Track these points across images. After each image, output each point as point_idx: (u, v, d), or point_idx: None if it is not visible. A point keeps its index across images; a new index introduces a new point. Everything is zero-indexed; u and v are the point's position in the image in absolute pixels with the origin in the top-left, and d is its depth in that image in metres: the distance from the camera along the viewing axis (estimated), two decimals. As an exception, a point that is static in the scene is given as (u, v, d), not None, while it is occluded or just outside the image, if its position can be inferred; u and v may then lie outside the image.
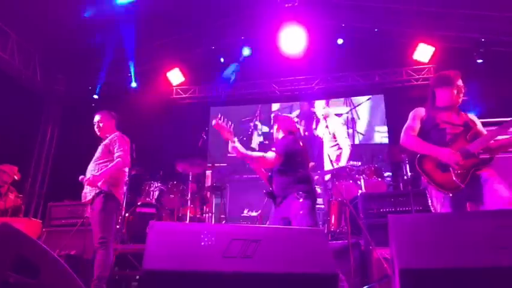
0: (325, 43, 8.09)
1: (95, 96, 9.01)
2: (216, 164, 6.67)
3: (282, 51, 8.07)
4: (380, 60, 8.04)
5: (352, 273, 3.67)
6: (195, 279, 1.40)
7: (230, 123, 3.21)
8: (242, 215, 7.60)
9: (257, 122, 9.01)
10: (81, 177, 3.67)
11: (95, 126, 3.94)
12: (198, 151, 6.24)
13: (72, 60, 8.66)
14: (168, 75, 8.76)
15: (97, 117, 3.96)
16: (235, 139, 3.18)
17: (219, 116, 3.18)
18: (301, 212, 3.04)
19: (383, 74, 8.20)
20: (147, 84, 8.82)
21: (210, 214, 6.03)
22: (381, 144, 7.96)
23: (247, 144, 8.67)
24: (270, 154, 3.22)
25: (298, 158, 3.36)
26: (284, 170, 3.25)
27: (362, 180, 5.23)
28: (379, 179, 5.34)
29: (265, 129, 8.96)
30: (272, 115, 8.87)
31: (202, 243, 1.47)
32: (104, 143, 3.83)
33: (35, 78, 8.56)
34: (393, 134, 7.69)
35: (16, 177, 5.82)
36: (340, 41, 8.08)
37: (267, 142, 8.92)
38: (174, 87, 8.92)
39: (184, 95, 9.02)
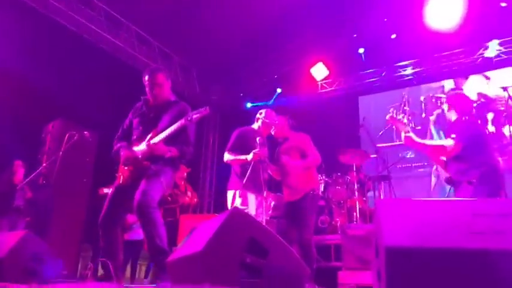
0: (481, 8, 7.14)
1: (249, 105, 9.69)
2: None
3: (432, 27, 7.43)
4: None
5: None
6: (440, 255, 1.33)
7: (402, 114, 3.24)
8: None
9: (406, 108, 8.46)
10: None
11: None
12: (356, 141, 6.15)
13: (224, 71, 9.46)
14: (311, 72, 8.82)
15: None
16: (409, 128, 3.14)
17: (392, 110, 3.30)
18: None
19: None
20: (292, 84, 9.05)
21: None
22: None
23: (398, 132, 8.21)
24: (449, 142, 3.05)
25: (479, 141, 3.15)
26: (461, 155, 3.04)
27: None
28: None
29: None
30: (441, 96, 8.09)
31: (442, 219, 1.40)
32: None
33: (194, 92, 9.58)
34: None
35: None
36: (503, 4, 7.03)
37: (419, 128, 8.32)
38: (319, 82, 8.95)
39: (330, 88, 8.99)
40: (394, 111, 3.20)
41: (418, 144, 3.11)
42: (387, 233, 1.38)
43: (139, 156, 2.82)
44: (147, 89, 3.05)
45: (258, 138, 3.74)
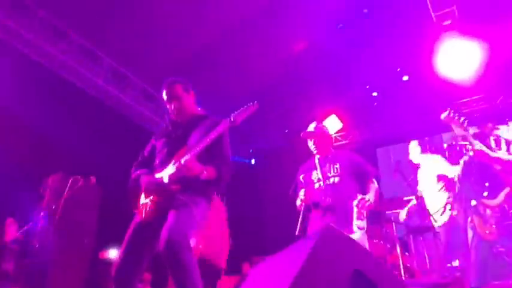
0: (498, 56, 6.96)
1: (253, 161, 9.30)
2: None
3: (447, 77, 7.24)
4: None
5: None
6: None
7: (464, 119, 2.88)
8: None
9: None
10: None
11: None
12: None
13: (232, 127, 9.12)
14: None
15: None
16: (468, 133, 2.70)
17: (449, 110, 2.87)
18: None
19: None
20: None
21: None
22: None
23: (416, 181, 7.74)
24: None
25: None
26: None
27: None
28: None
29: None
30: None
31: None
32: None
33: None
34: None
35: None
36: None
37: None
38: (334, 135, 8.58)
39: (345, 142, 8.61)
40: (451, 111, 2.89)
41: (492, 157, 2.74)
42: None
43: (166, 181, 2.24)
44: (167, 106, 2.58)
45: (301, 176, 3.19)
